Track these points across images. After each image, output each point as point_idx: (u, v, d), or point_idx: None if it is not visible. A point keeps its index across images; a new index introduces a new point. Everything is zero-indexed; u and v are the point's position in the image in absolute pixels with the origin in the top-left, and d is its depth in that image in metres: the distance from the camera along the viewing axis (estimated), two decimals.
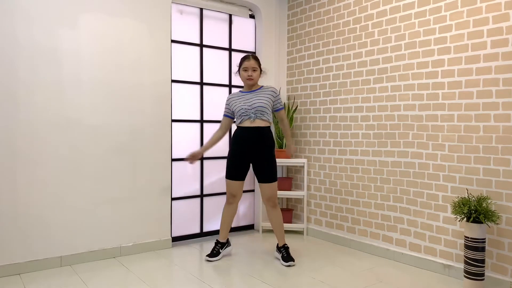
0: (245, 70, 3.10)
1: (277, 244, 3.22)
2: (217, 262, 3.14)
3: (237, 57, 4.09)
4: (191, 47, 3.79)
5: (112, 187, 3.21)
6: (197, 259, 3.24)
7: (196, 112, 3.82)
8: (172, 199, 3.62)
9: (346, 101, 3.57)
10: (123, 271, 2.93)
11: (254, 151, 3.08)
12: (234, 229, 4.06)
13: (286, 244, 3.19)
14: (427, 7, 2.96)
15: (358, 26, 3.46)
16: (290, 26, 4.17)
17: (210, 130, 3.90)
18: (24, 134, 2.85)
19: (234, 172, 3.14)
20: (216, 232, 3.91)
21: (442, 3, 2.87)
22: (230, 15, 4.03)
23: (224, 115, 3.24)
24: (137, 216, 3.34)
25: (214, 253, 3.18)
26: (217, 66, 3.96)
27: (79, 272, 2.88)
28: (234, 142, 3.14)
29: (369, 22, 3.37)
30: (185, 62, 3.75)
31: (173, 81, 3.63)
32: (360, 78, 3.45)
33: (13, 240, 2.83)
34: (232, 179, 3.15)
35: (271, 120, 3.15)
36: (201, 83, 3.84)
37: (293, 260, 3.07)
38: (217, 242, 3.23)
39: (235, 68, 4.04)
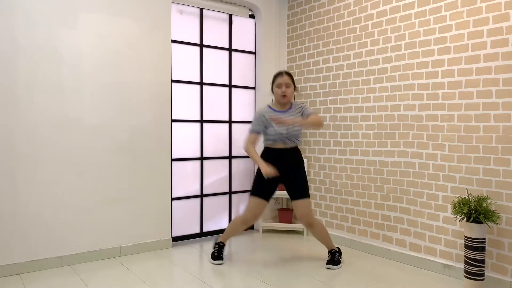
0: (279, 87, 2.94)
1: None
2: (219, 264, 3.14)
3: (237, 57, 4.10)
4: (191, 47, 3.79)
5: (112, 187, 3.21)
6: (197, 259, 3.24)
7: (196, 112, 3.82)
8: (172, 199, 3.62)
9: (346, 101, 3.57)
10: (123, 271, 2.93)
11: (287, 170, 2.95)
12: None
13: (334, 249, 3.06)
14: (427, 7, 2.96)
15: (358, 26, 3.46)
16: (290, 26, 4.17)
17: (210, 130, 3.90)
18: (24, 134, 2.85)
19: (262, 190, 2.96)
20: (216, 232, 3.92)
21: (442, 3, 2.87)
22: (230, 15, 4.03)
23: (256, 132, 2.97)
24: (137, 216, 3.34)
25: (221, 256, 3.11)
26: (217, 66, 3.96)
27: (79, 272, 2.88)
28: (265, 160, 2.94)
29: (369, 22, 3.37)
30: (185, 62, 3.75)
31: (173, 81, 3.62)
32: (360, 78, 3.45)
33: (13, 240, 2.83)
34: (258, 196, 2.95)
35: (301, 142, 3.07)
36: (201, 83, 3.84)
37: (334, 264, 2.97)
38: (223, 245, 3.15)
39: (235, 68, 4.06)
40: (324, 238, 3.04)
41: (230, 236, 3.17)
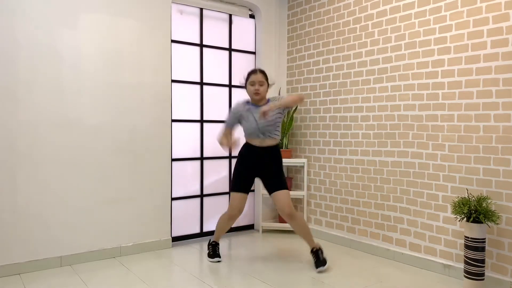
0: (252, 85, 2.98)
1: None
2: (217, 262, 3.14)
3: (237, 57, 4.10)
4: (191, 47, 3.79)
5: (112, 187, 3.21)
6: (197, 259, 3.24)
7: (196, 112, 3.82)
8: (172, 199, 3.62)
9: (346, 101, 3.57)
10: (123, 271, 2.93)
11: (262, 167, 3.00)
12: (234, 229, 4.05)
13: (315, 248, 3.01)
14: (427, 7, 2.96)
15: (358, 26, 3.46)
16: (290, 26, 4.17)
17: (210, 130, 3.90)
18: (24, 134, 2.85)
19: (242, 184, 3.04)
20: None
21: (442, 3, 2.87)
22: (230, 15, 4.03)
23: (229, 126, 3.07)
24: (137, 216, 3.34)
25: (217, 254, 3.16)
26: (217, 66, 3.96)
27: (79, 272, 2.88)
28: (242, 156, 3.07)
29: (369, 22, 3.37)
30: (185, 62, 3.75)
31: (173, 81, 3.62)
32: (360, 78, 3.45)
33: (13, 240, 2.83)
34: (240, 191, 3.03)
35: (279, 136, 3.06)
36: (201, 83, 3.84)
37: (323, 264, 2.92)
38: (216, 244, 3.20)
39: (235, 68, 4.06)
40: (305, 233, 3.01)
41: (220, 234, 3.22)
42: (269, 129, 2.97)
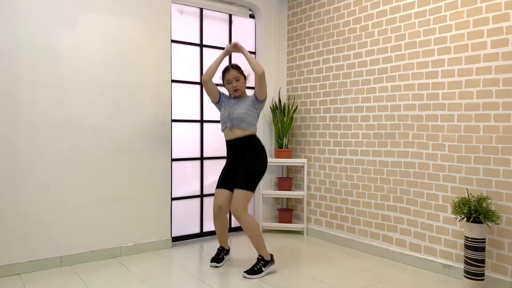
0: (229, 83, 2.98)
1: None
2: (214, 267, 3.12)
3: (237, 57, 4.09)
4: (191, 47, 3.79)
5: (112, 187, 3.21)
6: (197, 259, 3.24)
7: (196, 112, 3.82)
8: (172, 199, 3.62)
9: (346, 101, 3.57)
10: (123, 271, 2.93)
11: (237, 160, 2.98)
12: (234, 229, 4.05)
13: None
14: (427, 7, 2.96)
15: (358, 26, 3.46)
16: (290, 26, 4.17)
17: (210, 130, 3.90)
18: (24, 134, 2.85)
19: (220, 180, 3.04)
20: (216, 232, 3.92)
21: (442, 3, 2.87)
22: (230, 15, 4.03)
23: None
24: (137, 216, 3.34)
25: (219, 258, 3.07)
26: None
27: (79, 272, 2.88)
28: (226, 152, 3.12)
29: (369, 22, 3.37)
30: (185, 62, 3.75)
31: (173, 81, 3.62)
32: (360, 78, 3.45)
33: (13, 240, 2.83)
34: (217, 187, 3.03)
35: (253, 128, 2.98)
36: (201, 83, 3.84)
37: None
38: (222, 249, 3.14)
39: None
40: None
41: (220, 238, 3.14)
42: (238, 118, 2.91)
